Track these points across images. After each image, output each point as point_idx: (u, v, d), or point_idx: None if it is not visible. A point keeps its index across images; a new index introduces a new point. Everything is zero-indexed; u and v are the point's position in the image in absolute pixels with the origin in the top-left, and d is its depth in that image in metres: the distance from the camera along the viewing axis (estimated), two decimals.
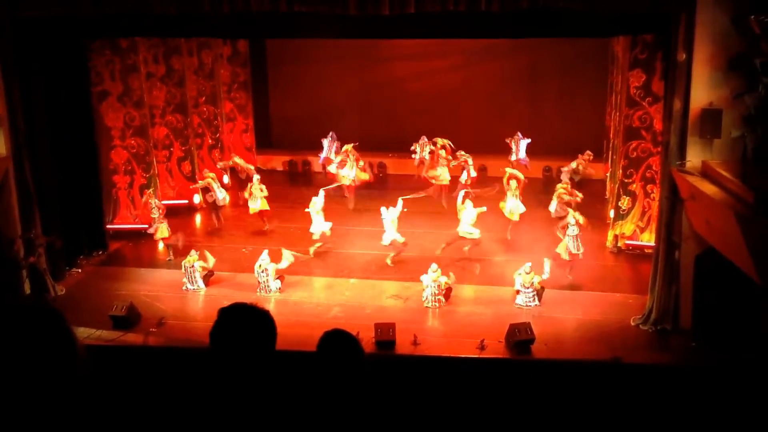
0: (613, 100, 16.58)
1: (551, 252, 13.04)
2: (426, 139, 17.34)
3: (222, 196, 15.90)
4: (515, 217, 14.77)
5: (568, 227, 13.00)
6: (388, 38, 16.49)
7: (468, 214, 13.82)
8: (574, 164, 16.56)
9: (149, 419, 2.91)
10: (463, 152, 16.76)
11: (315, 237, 14.27)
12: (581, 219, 13.15)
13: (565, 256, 12.92)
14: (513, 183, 14.95)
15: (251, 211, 15.54)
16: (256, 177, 15.83)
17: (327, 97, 19.99)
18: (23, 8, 11.90)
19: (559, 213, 14.45)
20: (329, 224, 14.44)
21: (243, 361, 3.12)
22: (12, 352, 2.31)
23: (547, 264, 12.21)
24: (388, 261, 13.82)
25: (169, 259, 14.14)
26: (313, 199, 14.39)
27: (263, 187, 15.48)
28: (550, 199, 14.95)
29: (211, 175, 16.13)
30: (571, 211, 13.47)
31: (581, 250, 12.93)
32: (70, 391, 2.36)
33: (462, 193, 14.42)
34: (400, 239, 13.86)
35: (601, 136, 17.56)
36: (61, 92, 13.44)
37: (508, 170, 15.42)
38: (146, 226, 14.72)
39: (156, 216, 14.35)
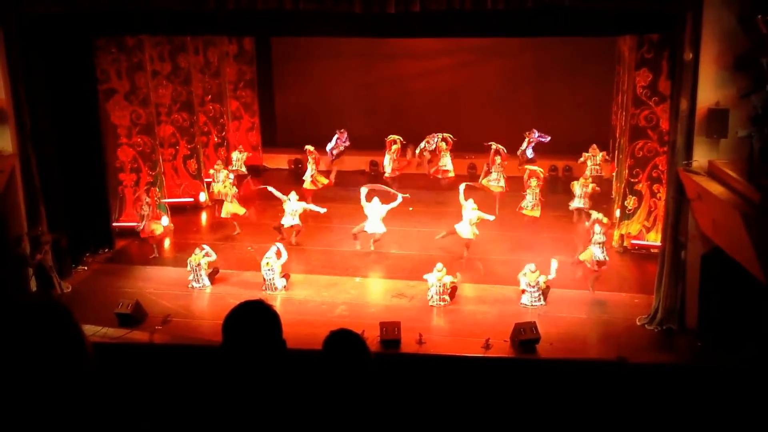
0: (620, 99, 16.55)
1: (565, 253, 13.02)
2: (434, 139, 17.47)
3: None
4: (536, 214, 14.77)
5: (593, 234, 12.61)
6: (393, 37, 16.49)
7: (468, 213, 13.82)
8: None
9: (154, 417, 2.91)
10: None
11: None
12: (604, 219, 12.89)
13: (592, 266, 12.58)
14: (533, 181, 14.87)
15: (224, 214, 15.31)
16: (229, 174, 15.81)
17: (332, 95, 20.02)
18: (28, 4, 11.92)
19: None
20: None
21: (251, 358, 3.12)
22: (20, 349, 2.32)
23: (554, 264, 12.17)
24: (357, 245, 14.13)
25: (154, 256, 14.26)
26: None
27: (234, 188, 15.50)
28: (557, 198, 14.96)
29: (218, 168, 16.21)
30: (594, 213, 13.19)
31: (607, 258, 12.62)
32: (77, 388, 2.37)
33: (463, 187, 14.30)
34: (380, 230, 14.10)
35: (608, 135, 17.53)
36: (67, 90, 13.45)
37: (528, 168, 15.33)
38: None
39: (146, 213, 14.33)
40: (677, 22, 10.86)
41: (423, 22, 12.08)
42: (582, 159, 16.54)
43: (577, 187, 15.18)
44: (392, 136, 17.50)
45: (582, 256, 12.72)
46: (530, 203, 14.89)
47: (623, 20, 11.65)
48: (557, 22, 11.76)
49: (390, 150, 17.43)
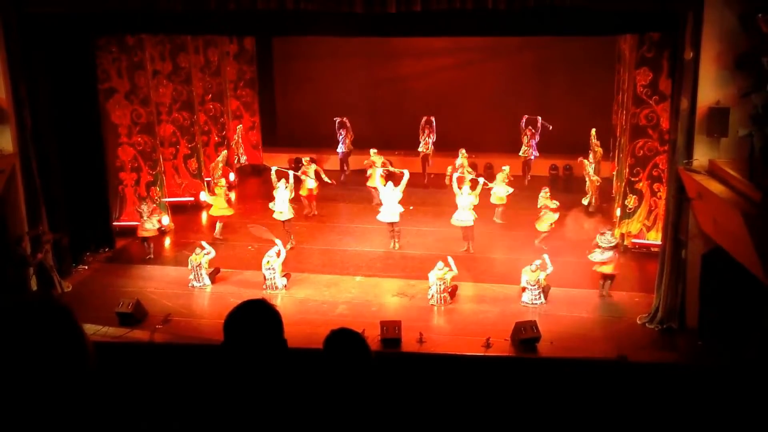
0: (620, 98, 16.55)
1: (564, 252, 13.04)
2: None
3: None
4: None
5: (600, 237, 12.37)
6: (394, 36, 16.48)
7: (465, 198, 13.92)
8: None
9: (155, 417, 2.92)
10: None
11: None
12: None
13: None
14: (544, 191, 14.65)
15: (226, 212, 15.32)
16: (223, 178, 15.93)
17: (333, 94, 20.00)
18: (29, 4, 11.93)
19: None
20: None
21: (252, 357, 3.12)
22: (21, 348, 2.32)
23: (547, 258, 12.15)
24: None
25: (149, 257, 14.22)
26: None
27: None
28: (557, 198, 14.91)
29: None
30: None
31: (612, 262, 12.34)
32: (78, 388, 2.37)
33: (456, 175, 14.61)
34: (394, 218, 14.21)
35: (608, 134, 17.52)
36: (67, 89, 13.46)
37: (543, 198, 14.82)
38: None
39: (145, 211, 14.31)
40: (678, 21, 10.87)
41: (424, 22, 12.09)
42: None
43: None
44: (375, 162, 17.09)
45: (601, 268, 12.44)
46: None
47: (624, 19, 11.65)
48: (558, 21, 11.77)
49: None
